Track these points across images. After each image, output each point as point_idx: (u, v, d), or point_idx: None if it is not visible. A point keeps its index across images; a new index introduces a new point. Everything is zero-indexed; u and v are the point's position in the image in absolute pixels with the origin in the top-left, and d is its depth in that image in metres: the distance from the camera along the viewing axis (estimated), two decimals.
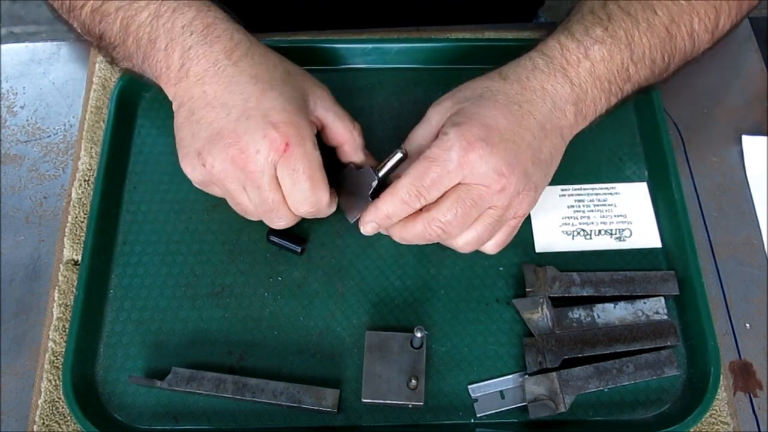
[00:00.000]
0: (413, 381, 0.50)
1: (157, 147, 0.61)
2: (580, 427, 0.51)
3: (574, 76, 0.50)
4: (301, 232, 0.57)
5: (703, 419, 0.51)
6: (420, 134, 0.53)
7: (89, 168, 0.60)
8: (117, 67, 0.58)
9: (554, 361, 0.51)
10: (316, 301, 0.55)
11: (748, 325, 0.55)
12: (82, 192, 0.59)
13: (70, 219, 0.58)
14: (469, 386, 0.52)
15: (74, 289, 0.55)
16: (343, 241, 0.57)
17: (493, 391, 0.52)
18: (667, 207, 0.58)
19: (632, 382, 0.51)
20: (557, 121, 0.51)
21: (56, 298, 0.55)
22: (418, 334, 0.49)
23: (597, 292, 0.54)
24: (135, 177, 0.60)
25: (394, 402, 0.50)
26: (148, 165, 0.60)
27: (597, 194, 0.60)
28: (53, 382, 0.52)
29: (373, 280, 0.56)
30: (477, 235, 0.51)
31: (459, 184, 0.48)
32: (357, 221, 0.52)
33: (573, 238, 0.58)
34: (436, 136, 0.51)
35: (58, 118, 0.64)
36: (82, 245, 0.56)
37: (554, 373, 0.51)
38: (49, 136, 0.64)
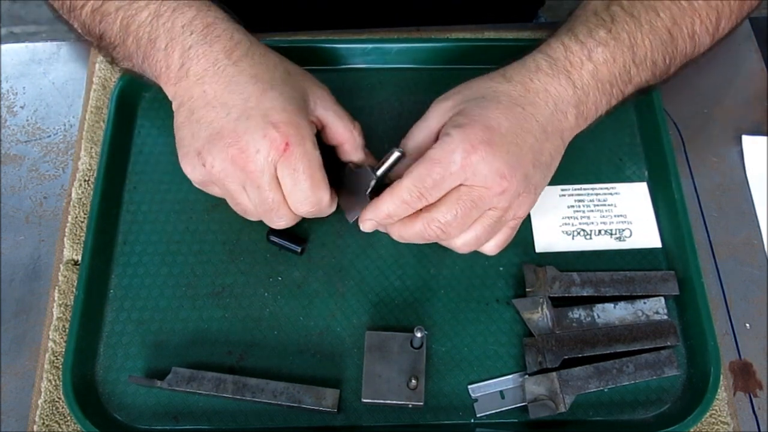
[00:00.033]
0: (413, 381, 0.50)
1: (157, 147, 0.61)
2: (580, 427, 0.51)
3: (576, 79, 0.50)
4: (301, 232, 0.57)
5: (703, 419, 0.51)
6: (420, 132, 0.53)
7: (89, 168, 0.60)
8: (117, 67, 0.58)
9: (554, 361, 0.51)
10: (316, 301, 0.55)
11: (748, 325, 0.55)
12: (82, 192, 0.59)
13: (70, 219, 0.58)
14: (469, 386, 0.52)
15: (74, 289, 0.55)
16: (343, 241, 0.57)
17: (493, 391, 0.52)
18: (667, 207, 0.58)
19: (632, 382, 0.51)
20: (558, 123, 0.51)
21: (56, 298, 0.55)
22: (418, 334, 0.49)
23: (597, 292, 0.54)
24: (135, 177, 0.60)
25: (394, 402, 0.50)
26: (148, 165, 0.60)
27: (597, 194, 0.60)
28: (53, 382, 0.52)
29: (373, 280, 0.56)
30: (476, 236, 0.51)
31: (460, 185, 0.48)
32: (356, 220, 0.52)
33: (573, 238, 0.58)
34: (436, 135, 0.51)
35: (58, 118, 0.64)
36: (82, 245, 0.56)
37: (554, 373, 0.51)
38: (49, 136, 0.64)
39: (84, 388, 0.51)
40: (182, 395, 0.52)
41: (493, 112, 0.49)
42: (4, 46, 0.68)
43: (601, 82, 0.51)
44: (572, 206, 0.59)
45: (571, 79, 0.50)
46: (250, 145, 0.47)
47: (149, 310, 0.55)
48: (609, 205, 0.59)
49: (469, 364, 0.53)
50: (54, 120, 0.64)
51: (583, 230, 0.58)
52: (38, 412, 0.52)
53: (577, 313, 0.53)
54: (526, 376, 0.52)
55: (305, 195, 0.49)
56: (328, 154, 0.53)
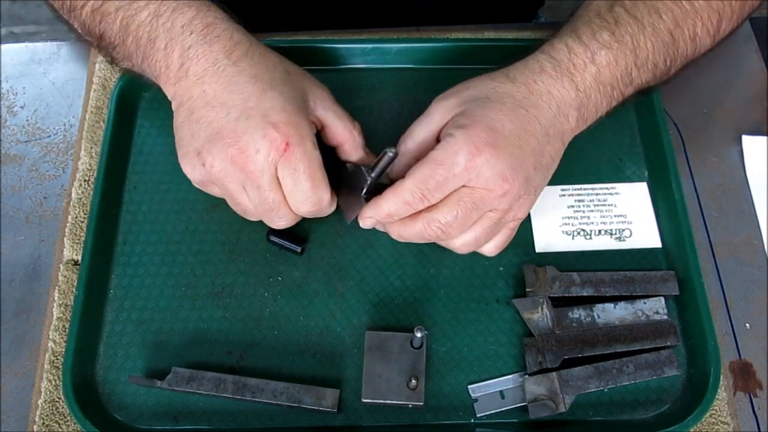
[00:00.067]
0: (413, 381, 0.50)
1: (157, 147, 0.61)
2: (580, 427, 0.51)
3: (579, 81, 0.50)
4: (301, 232, 0.57)
5: (703, 419, 0.51)
6: (421, 130, 0.52)
7: (89, 168, 0.60)
8: (117, 67, 0.58)
9: (554, 361, 0.51)
10: (316, 301, 0.55)
11: (748, 325, 0.55)
12: (82, 192, 0.59)
13: (70, 219, 0.58)
14: (469, 386, 0.52)
15: (74, 289, 0.55)
16: (343, 241, 0.57)
17: (493, 391, 0.52)
18: (667, 207, 0.58)
19: (632, 382, 0.51)
20: (560, 126, 0.51)
21: (56, 298, 0.55)
22: (418, 334, 0.49)
23: (597, 292, 0.54)
24: (135, 177, 0.60)
25: (394, 402, 0.50)
26: (148, 165, 0.60)
27: (597, 194, 0.60)
28: (53, 382, 0.52)
29: (373, 280, 0.56)
30: (475, 236, 0.51)
31: (462, 186, 0.48)
32: (355, 219, 0.52)
33: (573, 238, 0.58)
34: (438, 134, 0.51)
35: (58, 118, 0.64)
36: (82, 245, 0.56)
37: (554, 373, 0.51)
38: (49, 136, 0.64)
39: (84, 388, 0.51)
40: (182, 395, 0.52)
41: (497, 113, 0.49)
42: (4, 46, 0.68)
43: (602, 84, 0.51)
44: (572, 206, 0.59)
45: (574, 81, 0.50)
46: (249, 145, 0.47)
47: (149, 310, 0.55)
48: (609, 205, 0.59)
49: (469, 364, 0.53)
50: (54, 120, 0.64)
51: (583, 230, 0.58)
52: (38, 412, 0.52)
53: (577, 313, 0.53)
54: (526, 376, 0.52)
55: (306, 195, 0.49)
56: (328, 153, 0.53)
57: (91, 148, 0.61)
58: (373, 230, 0.54)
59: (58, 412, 0.52)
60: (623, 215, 0.59)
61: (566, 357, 0.52)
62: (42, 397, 0.52)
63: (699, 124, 0.64)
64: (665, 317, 0.53)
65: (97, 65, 0.65)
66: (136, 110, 0.63)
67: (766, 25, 0.68)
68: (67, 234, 0.58)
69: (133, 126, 0.62)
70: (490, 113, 0.49)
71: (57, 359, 0.53)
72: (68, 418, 0.51)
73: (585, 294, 0.54)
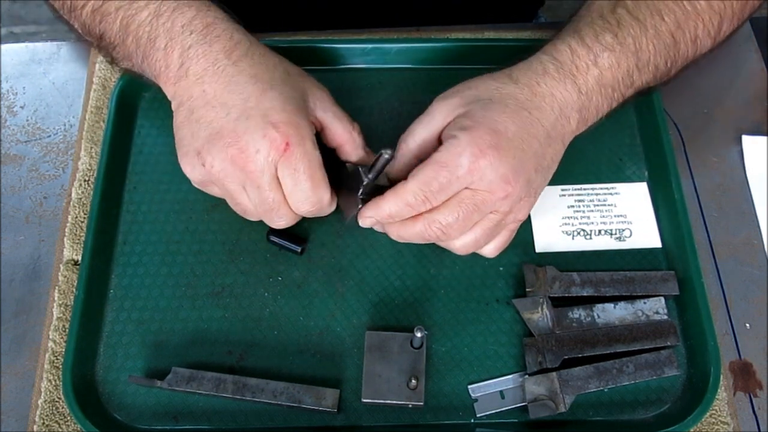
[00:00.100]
0: (413, 381, 0.50)
1: (157, 147, 0.61)
2: (580, 427, 0.51)
3: (582, 84, 0.50)
4: (301, 232, 0.57)
5: (703, 419, 0.51)
6: (423, 130, 0.52)
7: (89, 168, 0.60)
8: (117, 67, 0.58)
9: (554, 361, 0.51)
10: (316, 301, 0.55)
11: (748, 325, 0.55)
12: (82, 192, 0.59)
13: (70, 219, 0.58)
14: (469, 386, 0.52)
15: (74, 289, 0.55)
16: (343, 241, 0.57)
17: (493, 391, 0.52)
18: (667, 207, 0.58)
19: (632, 382, 0.51)
20: (561, 128, 0.51)
21: (56, 298, 0.55)
22: (418, 334, 0.49)
23: (597, 292, 0.54)
24: (135, 177, 0.60)
25: (394, 402, 0.50)
26: (148, 165, 0.60)
27: (597, 194, 0.60)
28: (53, 382, 0.52)
29: (373, 280, 0.56)
30: (475, 238, 0.51)
31: (464, 188, 0.48)
32: (351, 220, 0.52)
33: (573, 238, 0.58)
34: (439, 134, 0.51)
35: (58, 118, 0.64)
36: (82, 245, 0.56)
37: (554, 373, 0.51)
38: (49, 136, 0.64)
39: (84, 388, 0.51)
40: (182, 395, 0.52)
41: (500, 115, 0.48)
42: (4, 46, 0.68)
43: (604, 87, 0.51)
44: (572, 206, 0.59)
45: (577, 83, 0.50)
46: (249, 145, 0.47)
47: (149, 310, 0.55)
48: (609, 205, 0.59)
49: (469, 364, 0.53)
50: (54, 120, 0.64)
51: (583, 230, 0.58)
52: (38, 412, 0.52)
53: (577, 313, 0.53)
54: (526, 376, 0.52)
55: (306, 195, 0.49)
56: (327, 153, 0.53)
57: (91, 148, 0.61)
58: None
59: (58, 412, 0.52)
60: (623, 215, 0.59)
61: (566, 357, 0.52)
62: (42, 397, 0.52)
63: (699, 124, 0.64)
64: (665, 317, 0.53)
65: (97, 65, 0.65)
66: (136, 110, 0.63)
67: (766, 25, 0.68)
68: (67, 234, 0.58)
69: (133, 126, 0.62)
70: (494, 115, 0.48)
71: (57, 359, 0.53)
72: (68, 418, 0.51)
73: (585, 294, 0.54)
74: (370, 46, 0.64)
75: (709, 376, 0.51)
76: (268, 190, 0.49)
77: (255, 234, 0.57)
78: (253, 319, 0.54)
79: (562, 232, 0.58)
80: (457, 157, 0.47)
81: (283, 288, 0.56)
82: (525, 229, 0.58)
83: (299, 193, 0.49)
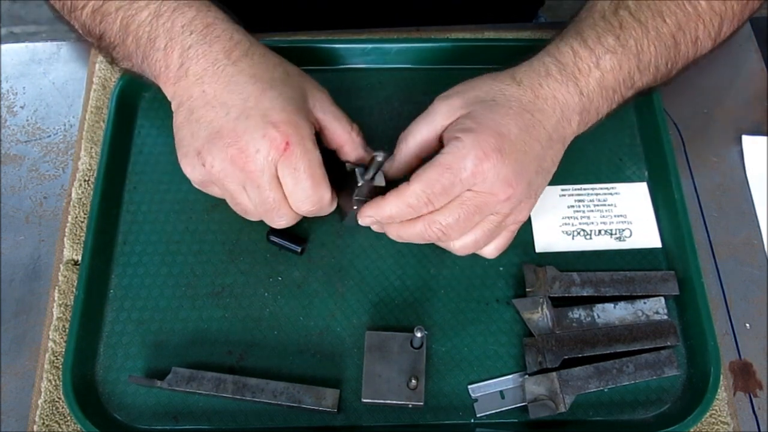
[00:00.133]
0: (413, 381, 0.50)
1: (157, 147, 0.61)
2: (580, 427, 0.51)
3: (584, 86, 0.50)
4: (301, 232, 0.57)
5: (703, 419, 0.51)
6: (424, 129, 0.51)
7: (89, 168, 0.60)
8: (117, 67, 0.58)
9: (554, 361, 0.51)
10: (316, 301, 0.55)
11: (748, 325, 0.55)
12: (82, 192, 0.59)
13: (70, 219, 0.58)
14: (469, 386, 0.52)
15: (74, 289, 0.55)
16: (343, 241, 0.57)
17: (493, 391, 0.52)
18: (667, 207, 0.58)
19: (632, 382, 0.51)
20: (562, 130, 0.51)
21: (56, 298, 0.55)
22: (418, 334, 0.49)
23: (597, 292, 0.54)
24: (135, 177, 0.60)
25: (394, 402, 0.50)
26: (148, 165, 0.60)
27: (597, 194, 0.60)
28: (53, 382, 0.52)
29: (373, 280, 0.56)
30: (475, 239, 0.51)
31: (466, 190, 0.48)
32: (349, 219, 0.52)
33: (573, 238, 0.58)
34: (440, 134, 0.51)
35: (58, 118, 0.64)
36: (82, 245, 0.56)
37: (554, 373, 0.51)
38: (49, 136, 0.64)
39: (84, 388, 0.51)
40: (182, 395, 0.52)
41: (504, 117, 0.48)
42: (4, 46, 0.68)
43: (605, 89, 0.51)
44: (572, 206, 0.59)
45: (578, 86, 0.50)
46: (249, 145, 0.47)
47: (149, 310, 0.55)
48: (609, 205, 0.59)
49: (469, 364, 0.53)
50: (54, 120, 0.64)
51: (583, 230, 0.58)
52: (38, 412, 0.52)
53: (577, 313, 0.53)
54: (526, 376, 0.52)
55: (306, 194, 0.49)
56: (327, 152, 0.53)
57: (91, 148, 0.61)
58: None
59: (58, 412, 0.52)
60: (623, 215, 0.59)
61: (566, 357, 0.52)
62: (42, 397, 0.52)
63: (699, 124, 0.64)
64: (665, 317, 0.53)
65: (97, 65, 0.65)
66: (136, 110, 0.63)
67: (766, 25, 0.68)
68: (67, 234, 0.58)
69: (133, 126, 0.62)
70: (497, 117, 0.48)
71: (57, 359, 0.53)
72: (68, 418, 0.51)
73: (585, 294, 0.54)
74: (370, 46, 0.64)
75: (709, 376, 0.51)
76: (269, 189, 0.49)
77: (255, 234, 0.57)
78: (253, 319, 0.55)
79: (562, 232, 0.58)
80: (461, 159, 0.47)
81: (283, 288, 0.56)
82: (525, 229, 0.58)
83: (300, 193, 0.49)
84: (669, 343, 0.52)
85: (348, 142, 0.54)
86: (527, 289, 0.55)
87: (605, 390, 0.52)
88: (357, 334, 0.54)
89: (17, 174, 0.62)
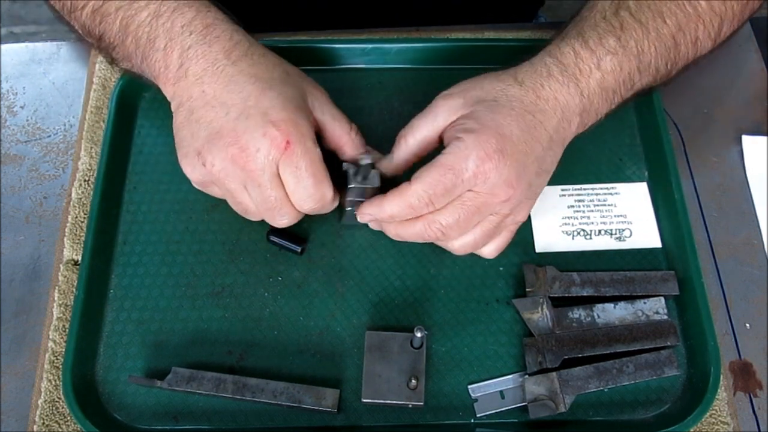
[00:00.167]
0: (413, 381, 0.50)
1: (157, 147, 0.61)
2: (580, 427, 0.51)
3: (584, 87, 0.50)
4: (301, 232, 0.57)
5: (703, 419, 0.51)
6: (425, 126, 0.51)
7: (89, 168, 0.60)
8: (117, 67, 0.58)
9: (554, 361, 0.51)
10: (316, 301, 0.55)
11: (748, 325, 0.55)
12: (82, 192, 0.59)
13: (70, 219, 0.58)
14: (469, 386, 0.52)
15: (74, 289, 0.55)
16: (343, 241, 0.57)
17: (493, 391, 0.52)
18: (667, 207, 0.58)
19: (632, 382, 0.51)
20: (563, 131, 0.51)
21: (56, 298, 0.55)
22: (418, 334, 0.49)
23: (597, 292, 0.54)
24: (135, 177, 0.60)
25: (394, 402, 0.50)
26: (148, 165, 0.60)
27: (597, 194, 0.60)
28: (53, 382, 0.52)
29: (373, 280, 0.56)
30: (474, 239, 0.51)
31: (467, 190, 0.48)
32: (345, 218, 0.53)
33: (573, 238, 0.58)
34: (440, 133, 0.51)
35: (58, 118, 0.64)
36: (82, 245, 0.56)
37: (554, 373, 0.51)
38: (49, 136, 0.64)
39: (84, 388, 0.51)
40: (182, 395, 0.52)
41: (506, 118, 0.48)
42: (4, 46, 0.68)
43: (605, 90, 0.51)
44: (572, 206, 0.59)
45: (579, 87, 0.50)
46: (250, 144, 0.47)
47: (149, 310, 0.55)
48: (609, 205, 0.59)
49: (469, 364, 0.53)
50: (54, 120, 0.64)
51: (583, 230, 0.58)
52: (38, 412, 0.52)
53: (577, 313, 0.53)
54: (526, 376, 0.52)
55: (309, 192, 0.49)
56: (326, 152, 0.53)
57: (91, 148, 0.61)
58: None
59: (58, 412, 0.52)
60: (623, 215, 0.59)
61: (566, 357, 0.52)
62: (42, 397, 0.52)
63: (699, 124, 0.64)
64: (665, 317, 0.53)
65: (97, 65, 0.65)
66: (136, 110, 0.63)
67: (766, 25, 0.68)
68: (67, 234, 0.58)
69: (133, 126, 0.62)
70: (499, 118, 0.48)
71: (57, 359, 0.53)
72: (68, 418, 0.51)
73: (585, 294, 0.54)
74: (370, 46, 0.64)
75: (709, 376, 0.51)
76: (270, 188, 0.49)
77: (255, 234, 0.57)
78: (253, 319, 0.55)
79: (562, 232, 0.58)
80: (462, 160, 0.47)
81: (283, 288, 0.56)
82: (525, 229, 0.58)
83: (302, 191, 0.49)
84: (669, 343, 0.52)
85: (347, 143, 0.54)
86: (527, 289, 0.55)
87: (605, 390, 0.52)
88: (357, 334, 0.54)
89: (17, 174, 0.62)
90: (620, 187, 0.60)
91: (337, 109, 0.54)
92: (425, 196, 0.47)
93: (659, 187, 0.59)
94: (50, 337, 0.54)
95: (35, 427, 0.51)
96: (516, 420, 0.52)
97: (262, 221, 0.53)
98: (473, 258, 0.55)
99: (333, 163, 0.53)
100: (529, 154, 0.48)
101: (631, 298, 0.54)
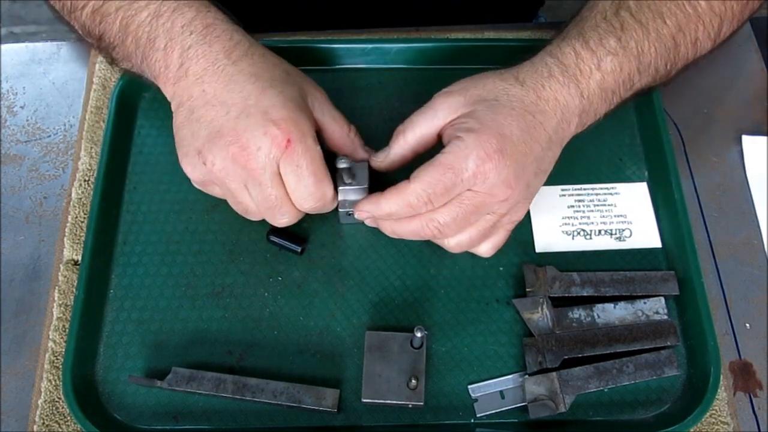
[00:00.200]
0: (413, 381, 0.50)
1: (157, 147, 0.61)
2: (580, 427, 0.51)
3: (584, 88, 0.50)
4: (301, 232, 0.57)
5: (703, 419, 0.51)
6: (424, 123, 0.51)
7: (89, 168, 0.60)
8: (117, 67, 0.58)
9: (554, 361, 0.51)
10: (316, 301, 0.55)
11: (748, 325, 0.55)
12: (82, 192, 0.59)
13: (70, 219, 0.58)
14: (469, 386, 0.52)
15: (74, 289, 0.55)
16: (343, 241, 0.57)
17: (493, 391, 0.52)
18: (667, 207, 0.58)
19: (632, 382, 0.51)
20: (562, 132, 0.51)
21: (56, 298, 0.55)
22: (418, 334, 0.49)
23: (597, 292, 0.54)
24: (135, 177, 0.60)
25: (394, 402, 0.50)
26: (148, 165, 0.60)
27: (597, 194, 0.60)
28: (53, 382, 0.52)
29: (373, 280, 0.56)
30: (469, 237, 0.51)
31: (465, 189, 0.48)
32: (341, 217, 0.53)
33: (573, 238, 0.58)
34: (439, 130, 0.51)
35: (58, 118, 0.64)
36: (82, 245, 0.56)
37: (554, 373, 0.51)
38: (49, 136, 0.64)
39: (84, 388, 0.51)
40: (182, 395, 0.52)
41: (506, 118, 0.48)
42: (4, 46, 0.68)
43: (605, 91, 0.51)
44: (572, 206, 0.59)
45: (579, 88, 0.50)
46: (251, 143, 0.47)
47: (149, 310, 0.55)
48: (609, 205, 0.59)
49: (469, 364, 0.53)
50: (54, 120, 0.64)
51: (583, 230, 0.58)
52: (38, 412, 0.52)
53: (577, 313, 0.53)
54: (526, 376, 0.52)
55: (309, 191, 0.49)
56: (325, 153, 0.53)
57: (91, 148, 0.61)
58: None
59: (58, 412, 0.52)
60: (623, 215, 0.59)
61: (566, 357, 0.52)
62: (42, 397, 0.52)
63: (699, 124, 0.64)
64: (665, 317, 0.53)
65: (97, 65, 0.65)
66: (136, 110, 0.63)
67: (766, 25, 0.68)
68: (67, 234, 0.58)
69: (133, 126, 0.62)
70: (500, 118, 0.48)
71: (57, 359, 0.53)
72: (68, 418, 0.51)
73: (585, 294, 0.54)
74: (370, 46, 0.64)
75: (709, 376, 0.51)
76: (270, 187, 0.49)
77: (255, 234, 0.57)
78: (253, 319, 0.54)
79: (562, 232, 0.58)
80: (463, 160, 0.47)
81: (283, 288, 0.56)
82: (525, 229, 0.58)
83: (302, 189, 0.49)
84: (669, 343, 0.52)
85: (346, 143, 0.54)
86: (527, 289, 0.55)
87: (605, 390, 0.52)
88: (357, 334, 0.54)
89: (17, 174, 0.62)
90: (620, 187, 0.60)
91: (337, 110, 0.54)
92: (424, 195, 0.47)
93: (659, 187, 0.59)
94: (50, 337, 0.54)
95: (35, 427, 0.51)
96: (516, 420, 0.52)
97: (262, 221, 0.53)
98: (473, 258, 0.55)
99: (331, 165, 0.53)
100: (528, 154, 0.48)
101: (631, 298, 0.54)
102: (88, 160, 0.61)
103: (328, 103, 0.53)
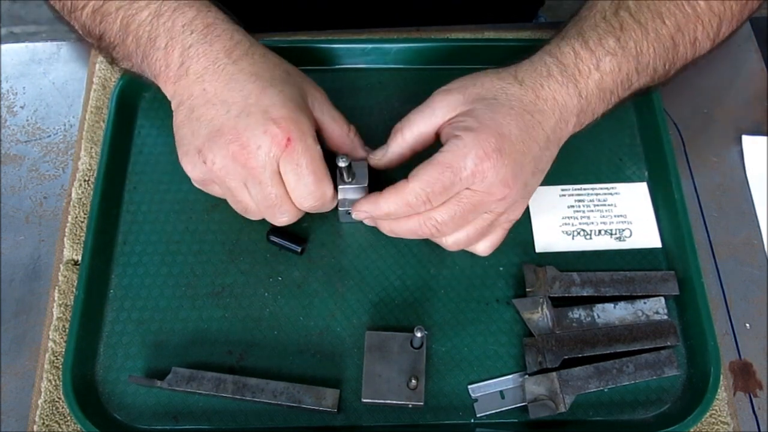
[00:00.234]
0: (413, 381, 0.50)
1: (157, 147, 0.61)
2: (580, 427, 0.51)
3: (583, 88, 0.50)
4: (301, 232, 0.57)
5: (703, 419, 0.51)
6: (423, 122, 0.51)
7: (89, 168, 0.60)
8: (117, 67, 0.58)
9: (554, 361, 0.51)
10: (316, 301, 0.55)
11: (748, 325, 0.55)
12: (82, 192, 0.59)
13: (70, 219, 0.58)
14: (469, 386, 0.52)
15: (74, 289, 0.55)
16: (343, 241, 0.57)
17: (493, 391, 0.52)
18: (667, 207, 0.58)
19: (632, 382, 0.51)
20: (560, 132, 0.51)
21: (56, 298, 0.55)
22: (418, 334, 0.49)
23: (597, 292, 0.54)
24: (135, 177, 0.60)
25: (394, 402, 0.50)
26: (148, 165, 0.60)
27: (597, 194, 0.60)
28: (53, 382, 0.52)
29: (373, 280, 0.56)
30: (467, 235, 0.51)
31: (464, 188, 0.48)
32: (340, 216, 0.53)
33: (573, 238, 0.58)
34: (437, 129, 0.51)
35: (58, 118, 0.64)
36: (82, 245, 0.56)
37: (554, 373, 0.51)
38: (49, 136, 0.64)
39: (84, 388, 0.51)
40: (182, 395, 0.52)
41: (505, 117, 0.48)
42: (4, 46, 0.68)
43: (603, 91, 0.51)
44: (572, 206, 0.59)
45: (578, 88, 0.50)
46: (251, 142, 0.47)
47: (149, 310, 0.55)
48: (609, 205, 0.59)
49: (469, 364, 0.53)
50: (54, 120, 0.64)
51: (583, 230, 0.58)
52: (38, 412, 0.52)
53: (577, 313, 0.53)
54: (526, 376, 0.52)
55: (309, 190, 0.49)
56: (325, 152, 0.53)
57: (91, 148, 0.61)
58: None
59: (58, 412, 0.52)
60: (623, 215, 0.59)
61: (566, 357, 0.52)
62: (42, 397, 0.52)
63: (699, 124, 0.64)
64: (665, 317, 0.53)
65: (97, 65, 0.65)
66: (136, 110, 0.63)
67: (766, 25, 0.68)
68: (67, 234, 0.58)
69: (133, 126, 0.62)
70: (498, 117, 0.48)
71: (57, 359, 0.53)
72: (68, 418, 0.51)
73: (585, 294, 0.54)
74: (370, 46, 0.64)
75: (709, 376, 0.51)
76: (270, 185, 0.49)
77: (255, 234, 0.57)
78: (253, 319, 0.54)
79: (562, 232, 0.58)
80: (461, 158, 0.47)
81: (283, 288, 0.56)
82: (525, 229, 0.58)
83: (302, 188, 0.49)
84: (669, 343, 0.52)
85: (346, 143, 0.54)
86: (527, 289, 0.55)
87: (605, 390, 0.52)
88: (357, 334, 0.54)
89: (17, 174, 0.62)
90: (620, 187, 0.60)
91: (336, 110, 0.54)
92: (423, 194, 0.47)
93: (659, 187, 0.59)
94: (50, 337, 0.54)
95: (35, 427, 0.51)
96: (516, 420, 0.52)
97: (262, 221, 0.53)
98: (473, 258, 0.55)
99: (331, 164, 0.53)
100: (526, 153, 0.48)
101: (631, 298, 0.54)
102: (88, 160, 0.61)
103: (328, 103, 0.53)
